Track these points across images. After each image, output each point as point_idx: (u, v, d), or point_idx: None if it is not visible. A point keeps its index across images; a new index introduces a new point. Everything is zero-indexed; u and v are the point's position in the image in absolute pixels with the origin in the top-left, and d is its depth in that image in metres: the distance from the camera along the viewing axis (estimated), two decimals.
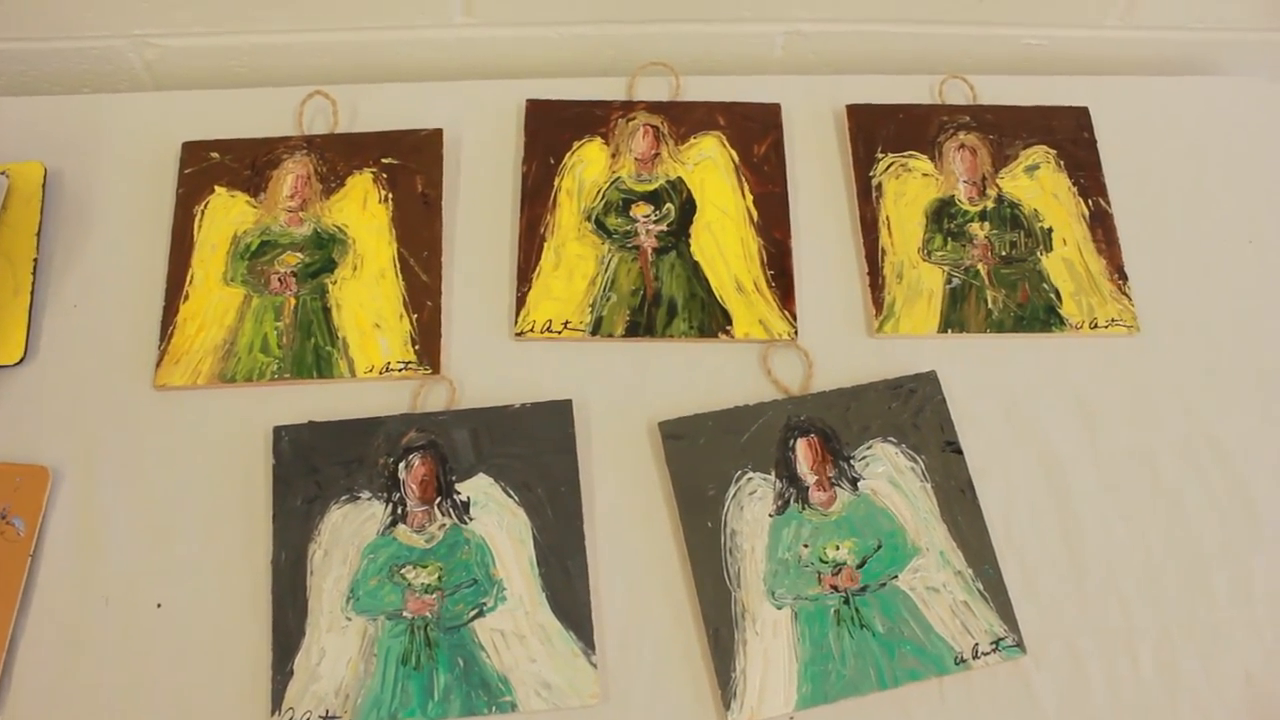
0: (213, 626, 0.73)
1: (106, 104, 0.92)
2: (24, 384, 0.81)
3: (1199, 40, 1.00)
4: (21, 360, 0.81)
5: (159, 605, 0.74)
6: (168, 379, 0.80)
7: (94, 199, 0.88)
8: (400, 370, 0.81)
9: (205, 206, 0.86)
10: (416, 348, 0.82)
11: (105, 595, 0.74)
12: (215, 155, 0.88)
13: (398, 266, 0.84)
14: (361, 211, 0.86)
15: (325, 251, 0.85)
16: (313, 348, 0.81)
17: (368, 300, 0.83)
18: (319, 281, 0.84)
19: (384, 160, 0.88)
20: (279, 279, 0.84)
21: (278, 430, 0.78)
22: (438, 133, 0.89)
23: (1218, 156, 0.94)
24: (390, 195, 0.87)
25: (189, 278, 0.84)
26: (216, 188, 0.87)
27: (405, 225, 0.86)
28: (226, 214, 0.86)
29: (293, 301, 0.83)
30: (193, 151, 0.88)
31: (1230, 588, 0.77)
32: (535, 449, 0.78)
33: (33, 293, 0.83)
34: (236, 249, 0.85)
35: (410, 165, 0.88)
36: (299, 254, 0.85)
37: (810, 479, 0.78)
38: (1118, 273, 0.87)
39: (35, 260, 0.84)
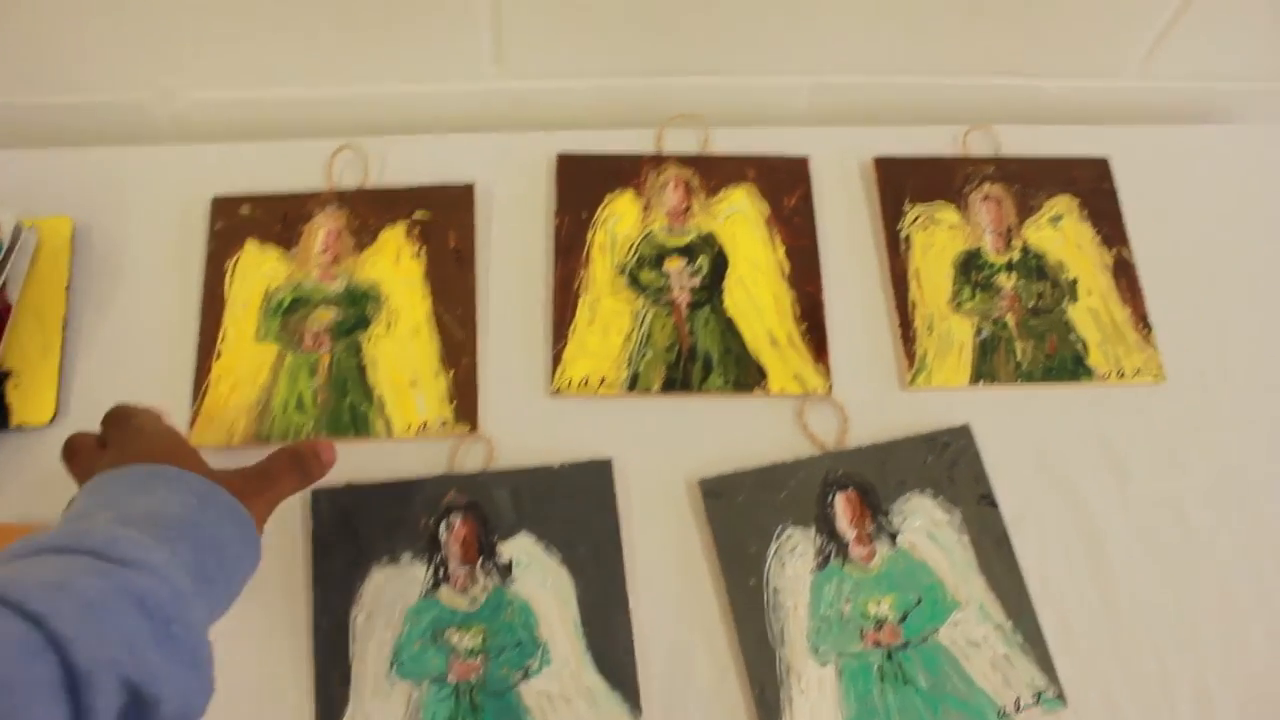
0: (254, 694, 0.72)
1: (133, 157, 0.92)
2: (55, 445, 0.79)
3: (1217, 90, 1.01)
4: (52, 420, 0.80)
5: None
6: (202, 439, 0.80)
7: (123, 254, 0.87)
8: (439, 428, 0.81)
9: (236, 262, 0.86)
10: (454, 405, 0.81)
11: None
12: (246, 210, 0.88)
13: (433, 323, 0.84)
14: (394, 267, 0.86)
15: (359, 308, 0.85)
16: (348, 406, 0.81)
17: (403, 357, 0.83)
18: (353, 338, 0.84)
19: (416, 215, 0.88)
20: (313, 336, 0.83)
21: (316, 493, 0.78)
22: (469, 188, 0.89)
23: (1237, 205, 0.95)
24: (423, 250, 0.87)
25: (221, 335, 0.83)
26: (248, 242, 0.87)
27: (439, 280, 0.86)
28: (258, 269, 0.86)
29: (327, 359, 0.83)
30: (223, 206, 0.88)
31: (1266, 634, 0.78)
32: (576, 508, 0.78)
33: (63, 351, 0.83)
34: (269, 305, 0.84)
35: (442, 220, 0.88)
36: (332, 310, 0.84)
37: (850, 534, 0.78)
38: (1142, 322, 0.88)
39: (64, 318, 0.84)
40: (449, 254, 0.87)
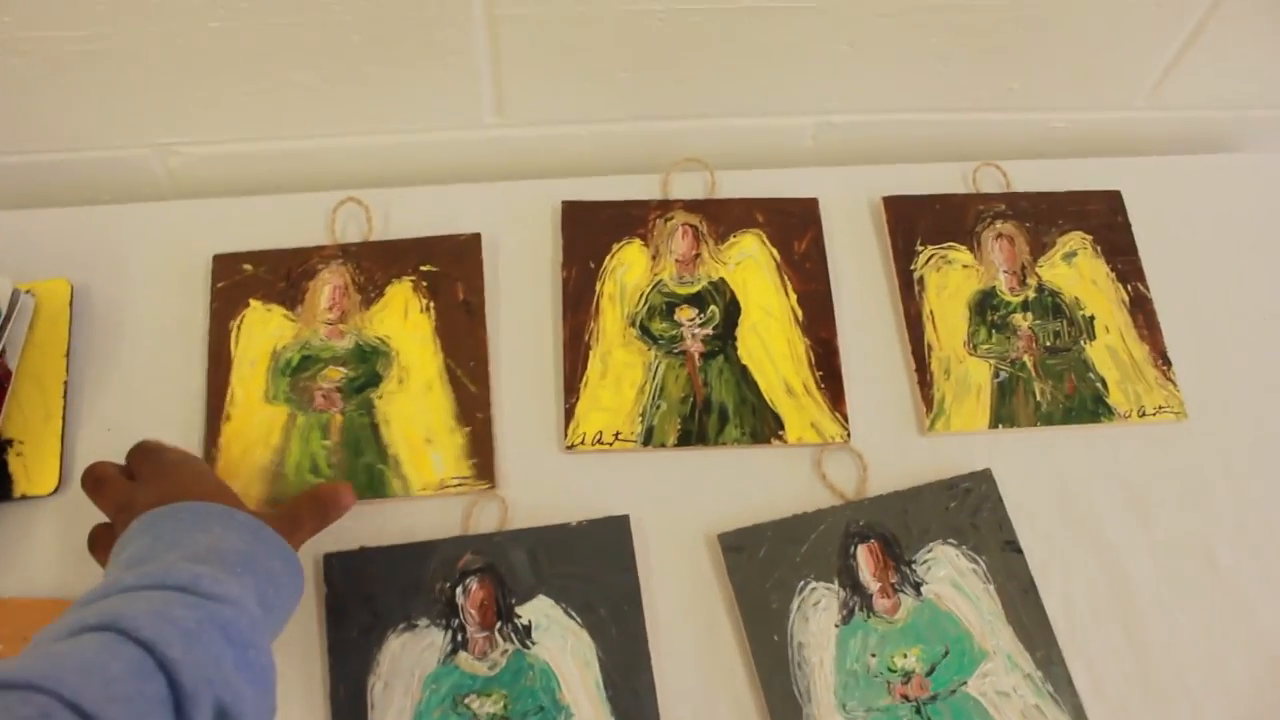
0: None
1: (131, 214, 0.90)
2: (59, 515, 0.78)
3: (1227, 119, 1.00)
4: (56, 490, 0.78)
5: None
6: None
7: (123, 316, 0.86)
8: (457, 486, 0.79)
9: (241, 321, 0.84)
10: (472, 462, 0.80)
11: None
12: (248, 267, 0.86)
13: (445, 378, 0.82)
14: (403, 321, 0.84)
15: (369, 365, 0.83)
16: (364, 466, 0.79)
17: (417, 414, 0.81)
18: (365, 396, 0.82)
19: (423, 267, 0.86)
20: (323, 395, 0.82)
21: (328, 557, 0.76)
22: (476, 237, 0.88)
23: (1253, 235, 0.94)
24: (432, 304, 0.85)
25: (229, 397, 0.82)
26: (251, 301, 0.85)
27: (449, 334, 0.84)
28: (264, 328, 0.84)
29: (339, 419, 0.81)
30: (225, 264, 0.86)
31: None
32: (594, 568, 0.76)
33: (64, 418, 0.81)
34: (277, 365, 0.83)
35: (450, 272, 0.86)
36: (342, 368, 0.83)
37: (874, 586, 0.77)
38: (1161, 359, 0.87)
39: (65, 383, 0.82)
40: (458, 306, 0.85)
